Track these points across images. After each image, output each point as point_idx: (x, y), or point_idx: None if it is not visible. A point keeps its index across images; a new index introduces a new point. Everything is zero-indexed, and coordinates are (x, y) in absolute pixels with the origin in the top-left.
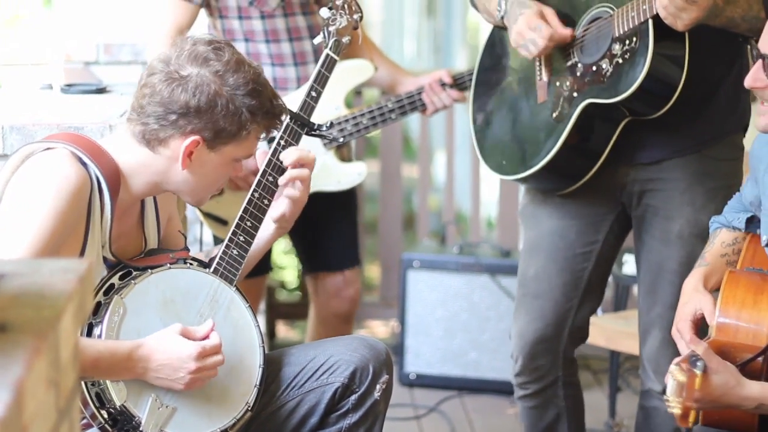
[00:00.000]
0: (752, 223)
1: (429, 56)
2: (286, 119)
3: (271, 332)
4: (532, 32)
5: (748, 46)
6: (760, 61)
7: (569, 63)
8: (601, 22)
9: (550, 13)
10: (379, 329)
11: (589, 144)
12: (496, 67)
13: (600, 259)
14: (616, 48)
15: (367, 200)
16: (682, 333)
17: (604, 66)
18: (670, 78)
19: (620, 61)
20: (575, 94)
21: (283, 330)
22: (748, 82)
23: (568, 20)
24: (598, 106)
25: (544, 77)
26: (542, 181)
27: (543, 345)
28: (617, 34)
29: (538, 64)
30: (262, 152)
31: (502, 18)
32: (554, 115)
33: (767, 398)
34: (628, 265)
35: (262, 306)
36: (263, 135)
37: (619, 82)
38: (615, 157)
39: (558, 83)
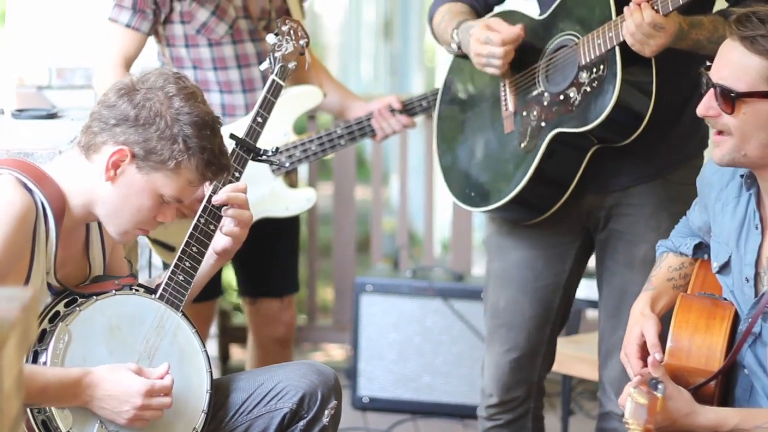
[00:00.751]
0: (700, 249)
1: (386, 79)
2: (232, 145)
3: (224, 356)
4: (485, 46)
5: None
6: (712, 90)
7: (535, 92)
8: (567, 50)
9: (494, 21)
10: (335, 352)
11: (558, 174)
12: (460, 98)
13: (567, 288)
14: (584, 76)
15: (321, 223)
16: (629, 357)
17: (571, 95)
18: (638, 104)
19: (588, 89)
20: (543, 124)
21: (239, 353)
22: (700, 111)
23: (530, 51)
24: (567, 135)
25: (510, 107)
26: (510, 212)
27: (518, 375)
28: (584, 63)
29: (503, 94)
30: None
31: (459, 47)
32: (522, 145)
33: (720, 426)
34: (581, 289)
35: (214, 330)
36: (199, 183)
37: (588, 111)
38: (582, 186)
39: (525, 113)
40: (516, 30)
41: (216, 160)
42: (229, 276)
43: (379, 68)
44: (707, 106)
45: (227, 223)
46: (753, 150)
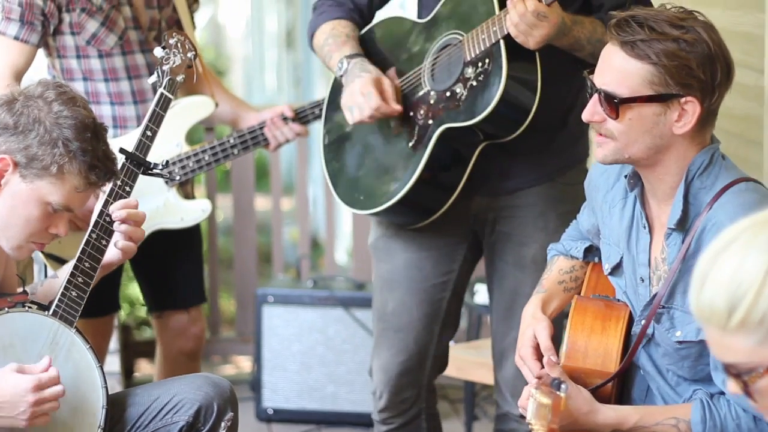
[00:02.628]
0: (591, 252)
1: (290, 89)
2: (122, 159)
3: (128, 371)
4: (361, 97)
5: (587, 78)
6: (596, 95)
7: (421, 93)
8: (451, 48)
9: (387, 84)
10: (244, 364)
11: (446, 173)
12: None
13: (456, 288)
14: (469, 71)
15: (222, 234)
16: (525, 359)
17: (458, 90)
18: (524, 98)
19: (474, 83)
20: (431, 121)
21: (148, 368)
22: (585, 116)
23: (415, 54)
24: (454, 130)
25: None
26: (398, 215)
27: (407, 378)
28: (469, 58)
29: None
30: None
31: (342, 75)
32: (410, 144)
33: (620, 424)
34: (480, 294)
35: (115, 345)
36: (83, 188)
37: (475, 104)
38: (470, 189)
39: (412, 113)
40: (395, 109)
41: (100, 164)
42: (137, 291)
43: (283, 78)
44: (592, 111)
45: (121, 239)
46: (637, 153)
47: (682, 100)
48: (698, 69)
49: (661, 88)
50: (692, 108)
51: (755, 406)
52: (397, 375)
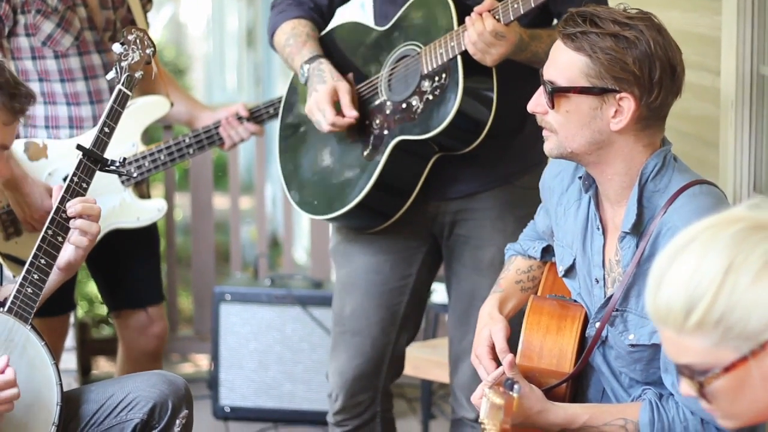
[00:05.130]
0: (548, 252)
1: (250, 88)
2: (79, 156)
3: (86, 368)
4: (318, 113)
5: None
6: (542, 87)
7: (377, 102)
8: (409, 60)
9: (344, 92)
10: (202, 362)
11: (401, 181)
12: (302, 107)
13: (414, 292)
14: (426, 85)
15: (181, 233)
16: (481, 358)
17: (414, 103)
18: (480, 113)
19: (430, 97)
20: (386, 132)
21: (107, 366)
22: (530, 106)
23: (372, 62)
24: (409, 142)
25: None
26: (354, 219)
27: (363, 381)
28: (426, 71)
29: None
30: (57, 188)
31: (306, 82)
32: (365, 153)
33: (570, 423)
34: (438, 293)
35: (72, 343)
36: (10, 120)
37: (430, 118)
38: (426, 193)
39: (367, 122)
40: (349, 121)
41: (16, 90)
42: (95, 289)
43: (243, 77)
44: (536, 102)
45: (75, 234)
46: (578, 147)
47: (618, 96)
48: (634, 65)
49: (596, 81)
50: (627, 104)
51: (708, 408)
52: (352, 378)
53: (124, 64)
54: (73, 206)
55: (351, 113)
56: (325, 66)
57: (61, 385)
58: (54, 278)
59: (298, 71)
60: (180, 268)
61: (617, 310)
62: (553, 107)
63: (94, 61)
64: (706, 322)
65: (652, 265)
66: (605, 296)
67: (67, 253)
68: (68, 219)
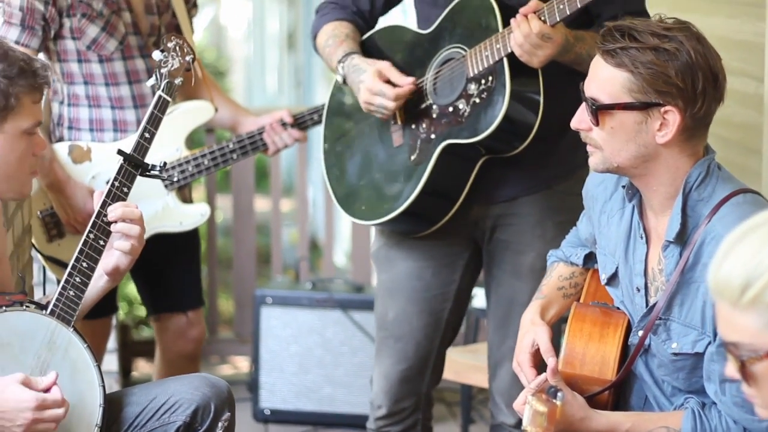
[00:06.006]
0: (591, 259)
1: (290, 91)
2: (120, 161)
3: (126, 370)
4: (377, 98)
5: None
6: (584, 104)
7: (423, 105)
8: (454, 63)
9: (386, 68)
10: (242, 364)
11: (448, 185)
12: (346, 111)
13: (457, 298)
14: (472, 88)
15: (221, 235)
16: (522, 366)
17: (461, 106)
18: (527, 115)
19: (477, 100)
20: (433, 136)
21: (146, 367)
22: (573, 124)
23: (416, 65)
24: (456, 146)
25: (399, 121)
26: (401, 224)
27: (407, 386)
28: (472, 74)
29: None
30: (99, 193)
31: (344, 82)
32: (412, 158)
33: (612, 431)
34: (478, 298)
35: (113, 345)
36: (38, 97)
37: (478, 122)
38: (470, 198)
39: (414, 126)
40: (408, 86)
41: (31, 67)
42: (135, 291)
43: (284, 80)
44: (579, 119)
45: (118, 238)
46: (624, 162)
47: (662, 109)
48: (676, 77)
49: (640, 96)
50: (672, 117)
51: (748, 393)
52: (397, 383)
53: (164, 70)
54: (114, 211)
55: (407, 80)
56: (357, 59)
57: (103, 386)
58: (101, 284)
59: (336, 71)
60: (220, 270)
61: (660, 319)
62: (597, 124)
63: (138, 65)
64: (760, 301)
65: (698, 272)
66: (647, 305)
67: (114, 259)
68: (110, 223)
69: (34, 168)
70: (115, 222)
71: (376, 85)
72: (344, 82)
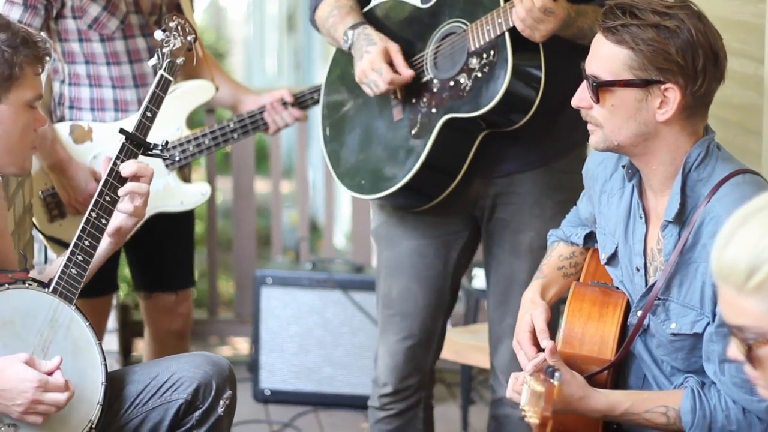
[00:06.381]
0: (591, 238)
1: (290, 72)
2: (122, 140)
3: (127, 350)
4: (374, 73)
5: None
6: (585, 81)
7: (424, 80)
8: (455, 37)
9: (395, 51)
10: (241, 345)
11: (448, 159)
12: (345, 87)
13: (454, 274)
14: (474, 62)
15: (221, 216)
16: (522, 344)
17: (462, 80)
18: (528, 90)
19: (479, 74)
20: (434, 110)
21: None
22: (574, 102)
23: (417, 39)
24: (458, 120)
25: (399, 95)
26: (401, 198)
27: (413, 363)
28: (473, 49)
29: None
30: (105, 161)
31: (350, 48)
32: (413, 132)
33: (611, 410)
34: (478, 279)
35: (115, 324)
36: (39, 69)
37: (479, 96)
38: (470, 173)
39: (414, 100)
40: (407, 76)
41: (32, 38)
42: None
43: (283, 62)
44: (580, 97)
45: (126, 201)
46: (624, 140)
47: (663, 86)
48: (677, 54)
49: (641, 73)
50: (673, 95)
51: (752, 375)
52: (403, 360)
53: (165, 50)
54: (127, 167)
55: (407, 71)
56: (370, 30)
57: (105, 364)
58: (104, 246)
59: (341, 38)
60: (220, 252)
61: (659, 299)
62: (598, 102)
63: (139, 44)
64: (766, 286)
65: (697, 252)
66: (646, 285)
67: (117, 220)
68: (112, 202)
69: (34, 143)
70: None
71: (378, 61)
72: (349, 48)
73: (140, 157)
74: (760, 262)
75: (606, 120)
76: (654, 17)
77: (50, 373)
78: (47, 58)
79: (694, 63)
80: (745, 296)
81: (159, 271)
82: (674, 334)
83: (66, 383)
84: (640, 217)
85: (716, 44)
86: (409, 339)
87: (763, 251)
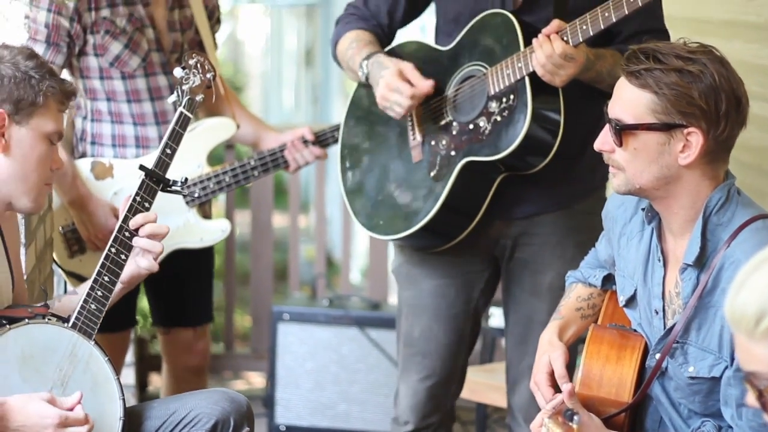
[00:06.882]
0: (609, 280)
1: (307, 107)
2: (141, 176)
3: (143, 384)
4: (394, 94)
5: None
6: (608, 125)
7: (443, 122)
8: (474, 80)
9: (409, 69)
10: (256, 380)
11: (467, 201)
12: (365, 127)
13: (476, 314)
14: (493, 106)
15: (240, 251)
16: (540, 385)
17: (481, 124)
18: (548, 134)
19: (498, 118)
20: (453, 153)
21: (160, 382)
22: (596, 145)
23: (438, 81)
24: (477, 163)
25: (418, 137)
26: (419, 240)
27: (434, 402)
28: (493, 92)
29: (410, 124)
30: (124, 201)
31: (367, 78)
32: (432, 174)
33: None
34: (495, 318)
35: (132, 359)
36: (62, 106)
37: (499, 140)
38: (489, 214)
39: (433, 142)
40: (427, 86)
41: (58, 74)
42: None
43: (301, 96)
44: (603, 140)
45: (137, 254)
46: (646, 183)
47: (685, 131)
48: (700, 99)
49: (664, 117)
50: (696, 139)
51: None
52: (424, 398)
53: (185, 87)
54: (143, 229)
55: (425, 82)
56: (383, 57)
57: (123, 399)
58: (115, 290)
59: (358, 70)
60: (236, 286)
61: (678, 342)
62: (620, 145)
63: (160, 82)
64: None
65: (716, 297)
66: (664, 327)
67: (130, 269)
68: (131, 237)
69: (49, 181)
70: (137, 234)
71: (394, 81)
72: (366, 79)
73: (159, 193)
74: (767, 309)
75: (628, 163)
76: (677, 62)
77: (71, 409)
78: (73, 97)
79: (716, 108)
80: (755, 342)
81: (178, 306)
82: (692, 378)
83: (86, 416)
84: (659, 260)
85: (739, 89)
86: (430, 378)
87: None
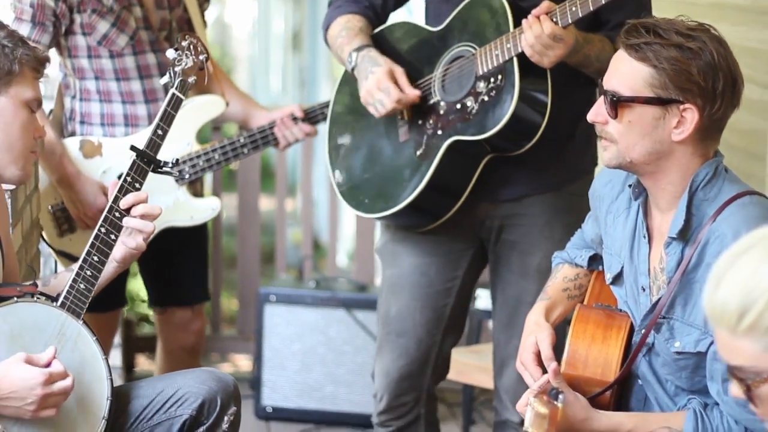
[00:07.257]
0: (595, 261)
1: (294, 91)
2: (132, 157)
3: (129, 365)
4: (380, 93)
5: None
6: (602, 97)
7: (431, 102)
8: (463, 61)
9: (400, 73)
10: (242, 362)
11: (453, 181)
12: (353, 106)
13: (460, 295)
14: (481, 86)
15: (226, 234)
16: (526, 365)
17: (468, 104)
18: (534, 115)
19: (486, 98)
20: (440, 132)
21: (146, 363)
22: (590, 116)
23: (425, 62)
24: (463, 143)
25: (406, 116)
26: (404, 218)
27: (408, 382)
28: (481, 73)
29: None
30: (113, 184)
31: (353, 69)
32: (418, 153)
33: (616, 431)
34: (482, 299)
35: (118, 340)
36: (37, 73)
37: (485, 119)
38: (476, 194)
39: (420, 122)
40: (414, 95)
41: (29, 42)
42: (137, 287)
43: (288, 80)
44: (596, 112)
45: (128, 234)
46: (638, 157)
47: (681, 107)
48: (698, 75)
49: (661, 91)
50: (691, 115)
51: (756, 412)
52: (397, 379)
53: (177, 69)
54: (137, 210)
55: (413, 91)
56: (375, 53)
57: (111, 379)
58: (109, 269)
59: (346, 59)
60: (223, 269)
61: (663, 318)
62: (615, 117)
63: (149, 60)
64: (757, 327)
65: (701, 272)
66: (650, 303)
67: (121, 249)
68: (121, 217)
69: (34, 149)
70: (128, 214)
71: (384, 81)
72: (352, 70)
73: (150, 174)
74: (749, 303)
75: (621, 136)
76: (677, 38)
77: (49, 364)
78: (46, 64)
79: (714, 85)
80: (738, 338)
81: (173, 286)
82: (678, 353)
83: (65, 368)
84: (644, 237)
85: (735, 69)
86: (403, 358)
87: (752, 291)
